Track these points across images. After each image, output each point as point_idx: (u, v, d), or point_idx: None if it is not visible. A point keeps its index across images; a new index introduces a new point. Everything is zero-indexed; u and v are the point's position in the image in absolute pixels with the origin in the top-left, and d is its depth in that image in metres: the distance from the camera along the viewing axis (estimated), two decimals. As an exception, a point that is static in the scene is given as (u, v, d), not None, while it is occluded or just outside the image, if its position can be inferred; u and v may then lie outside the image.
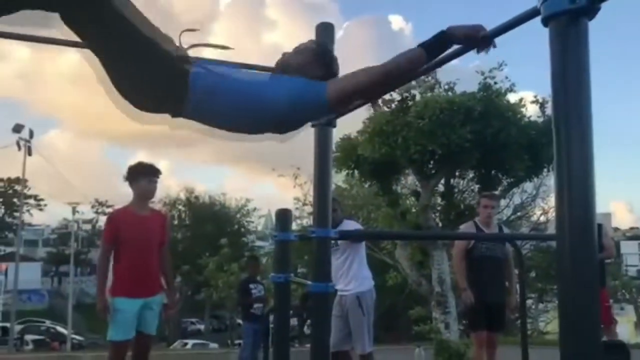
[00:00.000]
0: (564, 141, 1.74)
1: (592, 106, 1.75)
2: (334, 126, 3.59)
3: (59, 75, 62.16)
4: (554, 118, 1.81)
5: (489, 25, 2.07)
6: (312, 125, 3.60)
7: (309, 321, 8.85)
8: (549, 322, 20.15)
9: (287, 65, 2.03)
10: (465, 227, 5.56)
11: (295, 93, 1.88)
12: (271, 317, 6.08)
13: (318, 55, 2.08)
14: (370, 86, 1.90)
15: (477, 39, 1.94)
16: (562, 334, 1.69)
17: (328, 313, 3.45)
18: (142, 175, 4.21)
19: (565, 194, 1.71)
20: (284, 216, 4.04)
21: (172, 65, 1.79)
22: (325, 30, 3.49)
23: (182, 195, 36.69)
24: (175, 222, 35.09)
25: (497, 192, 4.98)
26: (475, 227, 5.25)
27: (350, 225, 5.01)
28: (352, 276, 4.82)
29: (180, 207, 36.47)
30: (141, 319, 4.10)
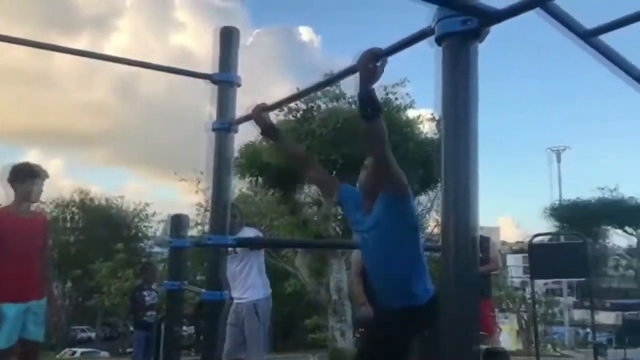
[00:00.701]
0: (450, 157, 1.81)
1: (479, 124, 1.84)
2: (235, 131, 3.55)
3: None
4: (443, 133, 1.88)
5: (388, 43, 2.15)
6: (213, 130, 3.55)
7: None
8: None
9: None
10: None
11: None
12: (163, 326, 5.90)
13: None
14: (383, 168, 2.55)
15: (374, 71, 2.12)
16: (443, 342, 1.75)
17: (221, 321, 3.39)
18: (29, 177, 3.97)
19: (451, 209, 1.77)
20: (178, 221, 3.93)
21: None
22: (229, 35, 3.46)
23: (76, 197, 34.87)
24: (68, 224, 33.28)
25: None
26: None
27: (249, 232, 4.96)
28: (249, 284, 4.77)
29: (73, 209, 34.63)
30: (24, 325, 3.86)
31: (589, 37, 2.13)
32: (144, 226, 35.82)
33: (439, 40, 1.86)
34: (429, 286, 2.63)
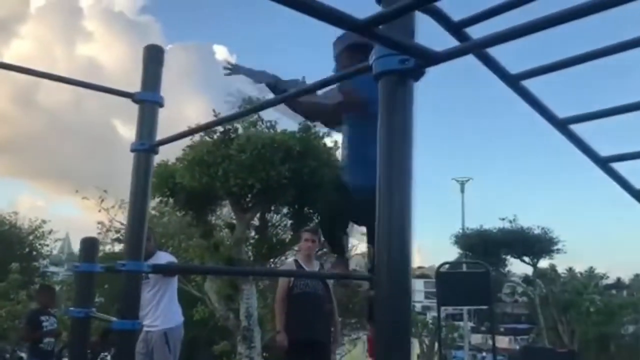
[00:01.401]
0: (385, 196, 1.83)
1: (413, 159, 1.88)
2: (156, 153, 3.43)
3: None
4: (379, 169, 1.91)
5: (324, 74, 2.17)
6: (132, 151, 3.41)
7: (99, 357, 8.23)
8: (344, 355, 21.14)
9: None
10: (286, 266, 5.60)
11: None
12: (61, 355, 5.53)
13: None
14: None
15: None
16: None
17: (132, 352, 3.23)
18: None
19: (385, 244, 1.79)
20: (89, 245, 3.73)
21: None
22: (154, 53, 3.36)
23: (-35, 210, 32.26)
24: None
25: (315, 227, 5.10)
26: (296, 265, 5.32)
27: (164, 257, 4.79)
28: (160, 311, 4.60)
29: (-39, 222, 32.01)
30: None
31: (515, 81, 2.26)
32: (40, 244, 33.72)
33: (376, 78, 1.91)
34: None
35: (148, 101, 3.33)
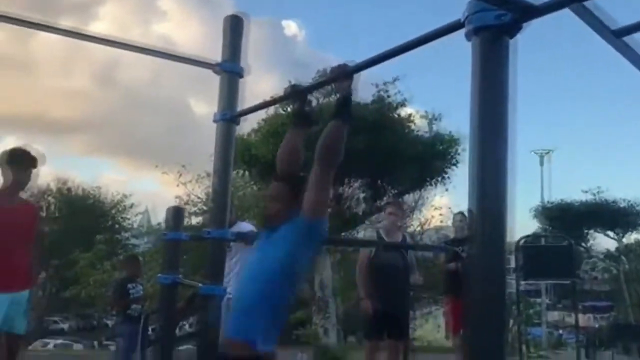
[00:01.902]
0: (478, 156, 1.76)
1: (508, 121, 1.79)
2: (238, 123, 3.47)
3: None
4: (471, 129, 1.83)
5: (408, 35, 2.11)
6: (214, 121, 3.46)
7: (182, 323, 8.52)
8: (415, 330, 21.09)
9: (273, 215, 2.37)
10: (367, 235, 5.57)
11: (290, 245, 2.25)
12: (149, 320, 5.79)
13: (291, 193, 2.36)
14: (324, 182, 2.26)
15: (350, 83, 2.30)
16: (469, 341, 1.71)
17: (218, 316, 3.33)
18: (19, 163, 3.83)
19: (479, 208, 1.73)
20: (175, 214, 3.86)
21: None
22: (235, 24, 3.37)
23: (53, 186, 34.33)
24: (44, 214, 32.77)
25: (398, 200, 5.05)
26: (377, 235, 5.27)
27: (245, 227, 4.89)
28: (241, 279, 4.70)
29: (49, 198, 34.08)
30: (7, 317, 3.73)
31: (616, 37, 2.11)
32: (122, 217, 35.43)
33: (470, 34, 1.82)
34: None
35: (229, 72, 3.36)
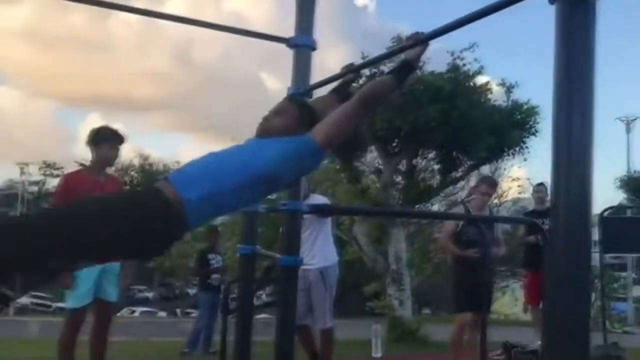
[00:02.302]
0: (563, 119, 1.70)
1: (594, 89, 1.71)
2: (311, 97, 3.48)
3: (9, 30, 59.41)
4: (555, 98, 1.76)
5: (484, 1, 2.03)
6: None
7: (259, 292, 8.72)
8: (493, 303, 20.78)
9: (270, 129, 2.17)
10: (456, 209, 5.47)
11: (284, 152, 2.03)
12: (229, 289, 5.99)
13: (299, 115, 2.21)
14: (351, 122, 2.12)
15: (424, 48, 2.24)
16: (546, 317, 1.67)
17: (295, 286, 3.40)
18: (105, 141, 4.04)
19: (563, 178, 1.67)
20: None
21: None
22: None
23: (135, 162, 35.91)
24: (127, 188, 34.39)
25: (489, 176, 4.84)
26: (465, 210, 5.17)
27: (318, 199, 4.94)
28: (316, 250, 4.77)
29: (132, 172, 35.69)
30: (100, 286, 3.98)
31: None
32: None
33: (553, -2, 1.75)
34: None
35: (302, 45, 3.37)
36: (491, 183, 5.31)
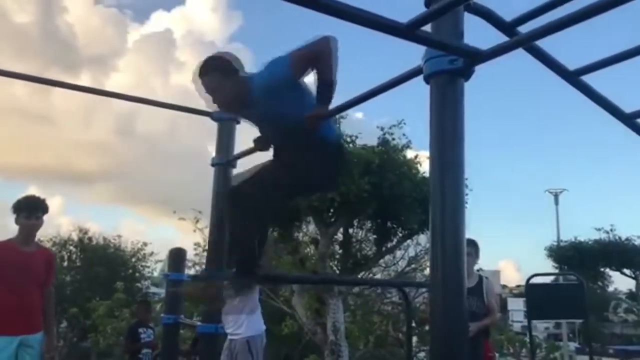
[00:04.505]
0: (438, 191, 1.88)
1: (464, 158, 1.91)
2: (234, 167, 3.63)
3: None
4: (430, 167, 1.95)
5: (378, 81, 2.26)
6: (212, 165, 3.62)
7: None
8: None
9: (226, 101, 2.67)
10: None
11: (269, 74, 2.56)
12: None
13: (219, 70, 2.64)
14: (319, 51, 2.49)
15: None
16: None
17: (217, 355, 3.41)
18: (22, 210, 4.05)
19: (439, 243, 1.83)
20: (177, 256, 3.99)
21: None
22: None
23: (74, 236, 34.68)
24: (65, 263, 33.02)
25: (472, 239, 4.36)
26: None
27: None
28: (243, 320, 4.76)
29: (71, 247, 34.38)
30: (19, 359, 3.85)
31: (573, 77, 2.23)
32: (142, 266, 35.52)
33: (427, 79, 1.97)
34: None
35: (225, 118, 3.56)
36: (472, 243, 4.89)
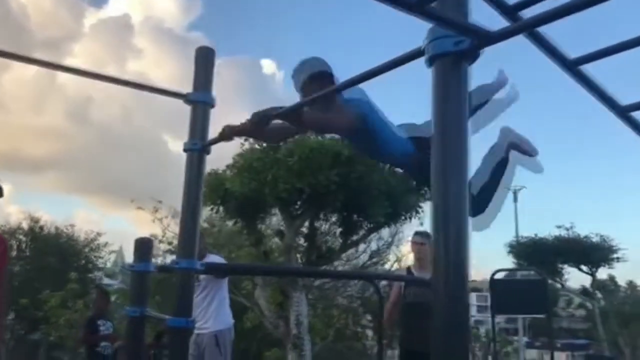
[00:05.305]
0: (440, 184, 1.78)
1: (469, 145, 1.82)
2: (208, 153, 3.46)
3: None
4: (433, 153, 1.86)
5: (373, 64, 2.15)
6: (184, 150, 3.45)
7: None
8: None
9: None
10: (399, 272, 5.37)
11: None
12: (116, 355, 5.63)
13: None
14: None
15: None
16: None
17: (186, 350, 3.25)
18: None
19: (441, 233, 1.74)
20: (143, 245, 3.79)
21: None
22: (205, 55, 3.41)
23: (25, 224, 33.56)
24: (15, 253, 31.95)
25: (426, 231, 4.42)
26: (408, 272, 5.10)
27: (215, 259, 4.84)
28: (211, 313, 4.63)
29: (21, 236, 33.27)
30: None
31: (573, 66, 2.17)
32: (95, 256, 34.68)
33: (429, 62, 1.86)
34: None
35: (200, 101, 3.37)
36: (419, 233, 5.11)
